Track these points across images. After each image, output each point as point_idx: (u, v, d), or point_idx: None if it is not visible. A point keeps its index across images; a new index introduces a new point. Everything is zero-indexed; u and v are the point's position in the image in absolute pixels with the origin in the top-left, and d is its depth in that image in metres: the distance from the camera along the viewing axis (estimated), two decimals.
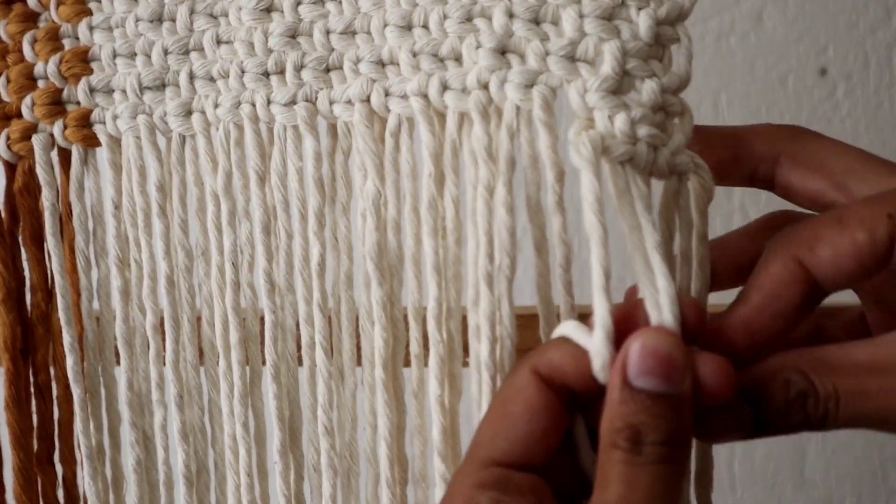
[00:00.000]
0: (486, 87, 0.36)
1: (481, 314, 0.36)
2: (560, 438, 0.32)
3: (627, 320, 0.31)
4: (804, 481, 0.81)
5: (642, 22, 0.35)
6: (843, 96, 0.76)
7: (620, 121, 0.33)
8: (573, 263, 0.35)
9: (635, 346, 0.30)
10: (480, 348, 0.36)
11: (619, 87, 0.34)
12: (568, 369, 0.31)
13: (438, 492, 0.37)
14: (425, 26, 0.38)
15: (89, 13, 0.46)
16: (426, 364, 0.38)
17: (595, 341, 0.31)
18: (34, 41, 0.46)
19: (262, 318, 0.43)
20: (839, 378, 0.31)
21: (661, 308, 0.30)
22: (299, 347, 0.43)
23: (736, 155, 0.39)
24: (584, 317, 0.33)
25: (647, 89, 0.34)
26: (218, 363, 0.44)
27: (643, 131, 0.33)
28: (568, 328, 0.32)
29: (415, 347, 0.39)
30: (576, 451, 0.33)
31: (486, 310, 0.36)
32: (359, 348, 0.42)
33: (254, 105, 0.42)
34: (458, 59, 0.37)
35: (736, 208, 0.79)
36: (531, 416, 0.31)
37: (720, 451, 0.84)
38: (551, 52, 0.35)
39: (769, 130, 0.40)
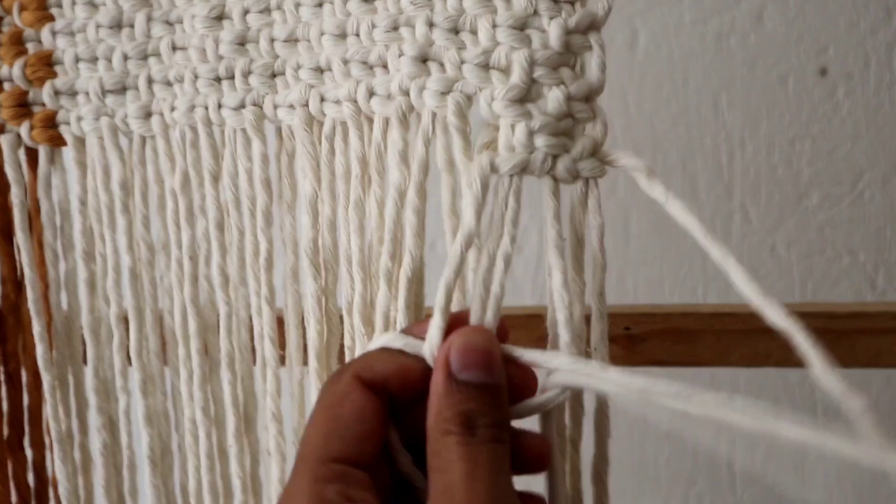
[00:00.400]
0: (407, 93, 0.39)
1: (378, 309, 0.39)
2: (382, 440, 0.35)
3: (458, 324, 0.35)
4: (804, 481, 0.82)
5: (552, 31, 0.37)
6: (843, 96, 0.77)
7: (519, 130, 0.36)
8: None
9: (457, 343, 0.34)
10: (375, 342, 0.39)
11: (527, 95, 0.37)
12: (390, 376, 0.34)
13: None
14: (357, 34, 0.41)
15: (51, 18, 0.49)
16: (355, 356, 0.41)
17: (431, 341, 0.34)
18: None
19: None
20: None
21: (485, 309, 0.34)
22: (252, 338, 0.46)
23: None
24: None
25: (553, 97, 0.36)
26: (178, 352, 0.48)
27: (541, 141, 0.36)
28: (390, 338, 0.35)
29: (347, 340, 0.42)
30: (392, 454, 0.35)
31: (382, 304, 0.39)
32: (304, 340, 0.45)
33: (206, 108, 0.45)
34: (385, 66, 0.40)
35: (736, 208, 0.80)
36: (361, 417, 0.34)
37: (720, 451, 0.85)
38: (467, 60, 0.38)
39: None
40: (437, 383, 0.34)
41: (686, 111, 0.78)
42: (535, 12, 0.37)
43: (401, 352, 0.35)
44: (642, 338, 0.51)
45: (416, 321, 0.38)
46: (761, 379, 0.81)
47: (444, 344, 0.34)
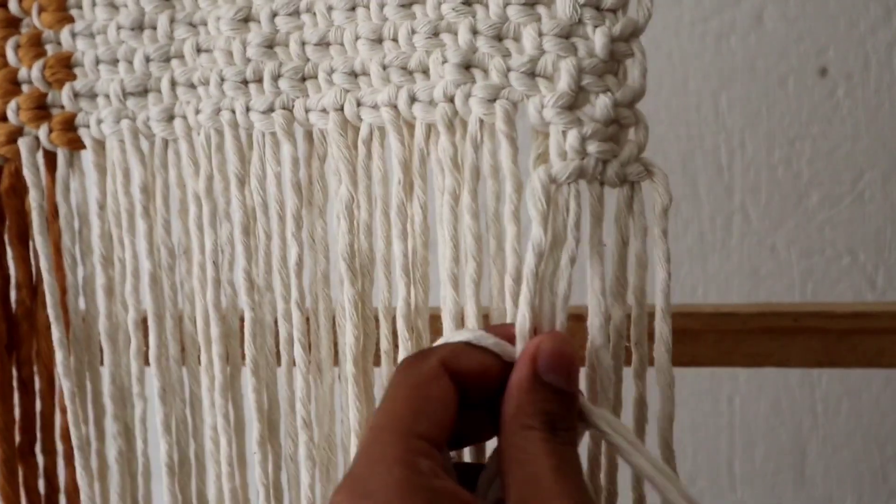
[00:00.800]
0: (451, 100, 0.39)
1: (446, 313, 0.40)
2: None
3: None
4: (804, 481, 0.83)
5: (598, 39, 0.38)
6: (843, 96, 0.78)
7: (572, 137, 0.37)
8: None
9: (546, 346, 0.35)
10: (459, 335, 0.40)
11: (575, 102, 0.38)
12: (473, 372, 0.36)
13: None
14: (395, 40, 0.41)
15: (71, 20, 0.49)
16: (395, 360, 0.42)
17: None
18: (17, 47, 0.49)
19: (242, 316, 0.47)
20: None
21: (555, 313, 0.36)
22: (278, 343, 0.46)
23: None
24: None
25: (601, 104, 0.38)
26: (199, 358, 0.48)
27: (593, 147, 0.37)
28: (479, 336, 0.37)
29: (384, 344, 0.42)
30: None
31: (450, 310, 0.40)
32: (336, 345, 0.45)
33: (233, 112, 0.45)
34: (425, 71, 0.40)
35: (736, 208, 0.81)
36: (446, 403, 0.35)
37: (720, 451, 0.87)
38: (513, 68, 0.39)
39: None
40: (521, 378, 0.35)
41: (686, 111, 0.79)
42: (580, 21, 0.38)
43: (485, 350, 0.36)
44: None
45: (493, 325, 0.39)
46: (761, 379, 0.82)
47: (531, 343, 0.36)
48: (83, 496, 0.50)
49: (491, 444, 0.39)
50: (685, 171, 0.80)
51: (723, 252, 0.81)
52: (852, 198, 0.79)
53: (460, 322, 0.40)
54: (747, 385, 0.82)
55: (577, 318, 0.40)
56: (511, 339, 0.37)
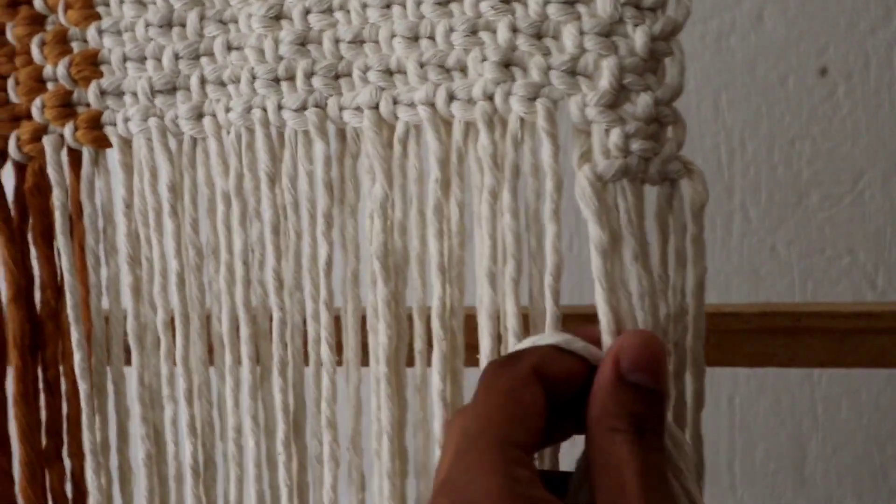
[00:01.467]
0: (491, 98, 0.39)
1: (483, 312, 0.40)
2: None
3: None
4: (804, 481, 0.83)
5: (638, 38, 0.38)
6: (843, 96, 0.78)
7: (615, 135, 0.37)
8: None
9: (628, 344, 0.35)
10: (482, 345, 0.40)
11: (616, 100, 0.38)
12: (562, 377, 0.35)
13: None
14: (431, 38, 0.41)
15: (98, 17, 0.48)
16: (429, 361, 0.42)
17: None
18: (42, 44, 0.49)
19: (272, 315, 0.46)
20: None
21: (634, 311, 0.36)
22: (305, 343, 0.45)
23: None
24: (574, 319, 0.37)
25: (643, 102, 0.38)
26: (225, 359, 0.47)
27: (636, 145, 0.37)
28: (567, 340, 0.36)
29: (418, 344, 0.42)
30: None
31: (488, 308, 0.40)
32: (364, 345, 0.45)
33: (265, 110, 0.45)
34: (463, 70, 0.40)
35: (736, 208, 0.81)
36: (540, 410, 0.34)
37: (720, 451, 0.87)
38: (553, 66, 0.39)
39: None
40: (605, 379, 0.34)
41: (686, 111, 0.78)
42: (620, 20, 0.38)
43: (573, 355, 0.36)
44: None
45: (579, 328, 0.38)
46: (761, 379, 0.82)
47: (614, 343, 0.35)
48: (93, 500, 0.50)
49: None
50: None
51: (723, 252, 0.81)
52: (852, 198, 0.80)
53: (497, 321, 0.40)
54: (747, 385, 0.82)
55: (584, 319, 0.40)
56: (596, 341, 0.36)
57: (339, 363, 0.45)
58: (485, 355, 0.40)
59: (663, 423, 0.35)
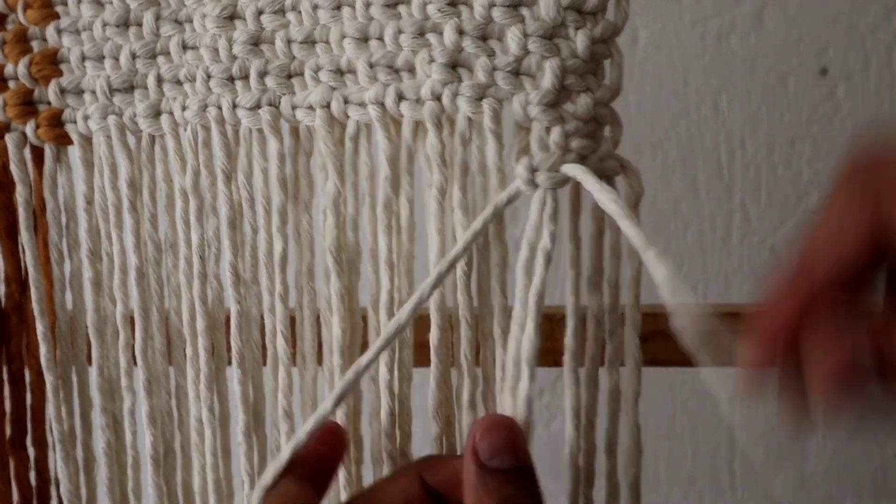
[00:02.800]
0: (438, 98, 0.40)
1: (433, 306, 0.41)
2: None
3: None
4: (804, 481, 0.84)
5: (580, 41, 0.39)
6: (843, 96, 0.79)
7: (555, 133, 0.38)
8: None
9: (480, 431, 0.36)
10: (432, 337, 0.41)
11: (558, 100, 0.39)
12: (448, 480, 0.38)
13: (388, 470, 0.42)
14: (380, 39, 0.42)
15: (56, 17, 0.49)
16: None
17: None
18: (3, 43, 0.49)
19: (228, 309, 0.47)
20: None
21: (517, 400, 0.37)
22: (263, 336, 0.47)
23: None
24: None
25: (582, 103, 0.39)
26: (185, 351, 0.48)
27: (575, 143, 0.38)
28: None
29: (372, 336, 0.43)
30: None
31: (437, 302, 0.41)
32: (320, 338, 0.46)
33: (220, 108, 0.45)
34: (411, 70, 0.41)
35: (736, 208, 0.82)
36: None
37: (720, 451, 0.87)
38: (498, 67, 0.40)
39: None
40: (469, 472, 0.35)
41: (686, 111, 0.79)
42: (563, 23, 0.39)
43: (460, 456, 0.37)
44: (643, 338, 0.53)
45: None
46: None
47: (469, 436, 0.36)
48: (63, 489, 0.51)
49: None
50: (685, 171, 0.81)
51: (723, 252, 0.82)
52: None
53: (447, 316, 0.42)
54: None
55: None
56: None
57: (295, 356, 0.46)
58: (434, 349, 0.41)
59: (537, 492, 0.35)
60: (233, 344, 0.46)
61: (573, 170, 0.38)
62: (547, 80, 0.39)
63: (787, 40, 0.79)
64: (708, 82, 0.80)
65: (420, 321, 0.42)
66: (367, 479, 0.45)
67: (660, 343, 0.53)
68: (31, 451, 0.52)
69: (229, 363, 0.48)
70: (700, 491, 0.84)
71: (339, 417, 0.44)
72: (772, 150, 0.80)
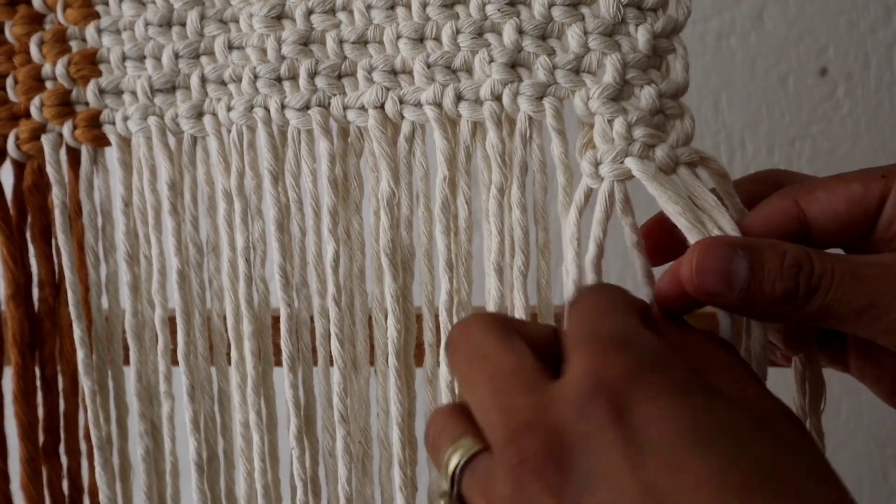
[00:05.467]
0: (499, 98, 0.42)
1: (492, 304, 0.42)
2: None
3: None
4: None
5: (640, 36, 0.41)
6: (843, 96, 0.81)
7: (618, 124, 0.40)
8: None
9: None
10: None
11: (620, 94, 0.41)
12: None
13: None
14: (437, 39, 0.43)
15: (97, 16, 0.50)
16: (439, 354, 0.44)
17: None
18: (41, 43, 0.50)
19: (273, 312, 0.49)
20: (837, 262, 0.36)
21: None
22: (313, 339, 0.48)
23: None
24: None
25: (646, 95, 0.41)
26: (228, 355, 0.50)
27: (639, 132, 0.40)
28: None
29: (428, 337, 0.45)
30: None
31: (496, 300, 0.42)
32: (371, 340, 0.47)
33: (267, 109, 0.47)
34: (469, 70, 0.43)
35: None
36: None
37: None
38: (558, 66, 0.41)
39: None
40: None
41: None
42: (623, 20, 0.41)
43: None
44: None
45: None
46: None
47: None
48: (102, 496, 0.52)
49: None
50: None
51: None
52: None
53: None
54: None
55: None
56: None
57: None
58: None
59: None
60: (283, 347, 0.47)
61: (633, 163, 0.39)
62: (608, 74, 0.41)
63: (787, 40, 0.81)
64: (708, 82, 0.82)
65: None
66: (423, 483, 0.46)
67: None
68: (63, 460, 0.53)
69: (276, 366, 0.49)
70: None
71: (395, 418, 0.45)
72: (772, 150, 0.82)
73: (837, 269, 0.35)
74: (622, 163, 0.40)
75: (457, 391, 0.44)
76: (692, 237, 0.38)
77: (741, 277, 0.35)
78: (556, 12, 0.41)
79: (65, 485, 0.54)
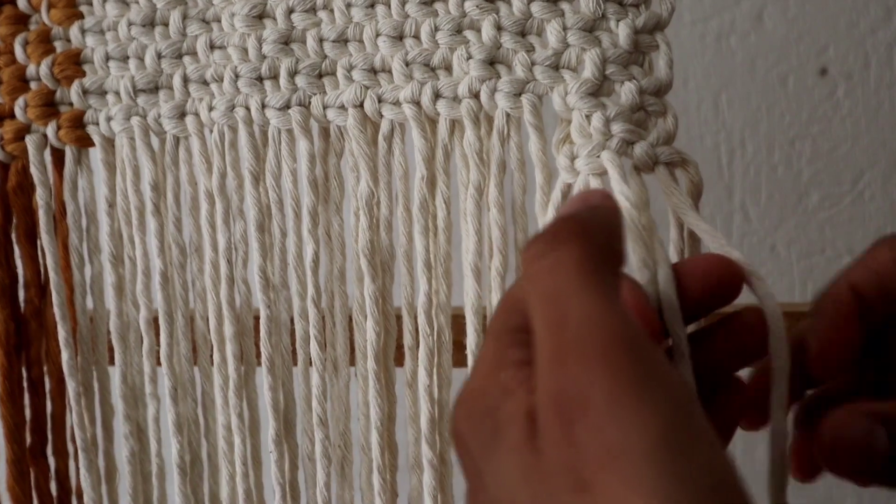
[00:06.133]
0: (476, 95, 0.42)
1: (469, 307, 0.42)
2: None
3: None
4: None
5: (621, 32, 0.41)
6: (843, 96, 0.81)
7: (596, 119, 0.40)
8: None
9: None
10: (469, 340, 0.42)
11: (599, 90, 0.40)
12: None
13: (427, 477, 0.43)
14: (416, 37, 0.43)
15: (81, 16, 0.50)
16: (417, 356, 0.44)
17: None
18: (26, 43, 0.51)
19: (255, 314, 0.49)
20: None
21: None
22: (293, 341, 0.48)
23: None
24: None
25: (626, 91, 0.40)
26: (211, 356, 0.50)
27: (617, 127, 0.39)
28: None
29: (408, 339, 0.45)
30: None
31: (474, 302, 0.42)
32: (351, 342, 0.47)
33: (248, 109, 0.47)
34: (448, 68, 0.43)
35: (736, 208, 0.83)
36: None
37: None
38: (537, 62, 0.41)
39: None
40: None
41: (686, 111, 0.81)
42: (603, 15, 0.40)
43: None
44: None
45: None
46: None
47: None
48: (87, 498, 0.52)
49: None
50: None
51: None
52: (852, 197, 0.82)
53: (483, 316, 0.43)
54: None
55: None
56: None
57: (325, 361, 0.47)
58: (471, 351, 0.43)
59: None
60: (262, 349, 0.47)
61: (606, 157, 0.39)
62: (587, 69, 0.40)
63: (787, 40, 0.81)
64: (708, 82, 0.81)
65: (455, 322, 0.44)
66: (403, 487, 0.46)
67: None
68: (51, 461, 0.53)
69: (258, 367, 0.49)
70: None
71: (374, 421, 0.45)
72: (772, 150, 0.82)
73: None
74: (598, 157, 0.39)
75: (435, 396, 0.43)
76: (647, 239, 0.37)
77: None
78: (536, 8, 0.41)
79: (53, 486, 0.54)
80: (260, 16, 0.47)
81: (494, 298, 0.42)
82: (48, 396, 0.53)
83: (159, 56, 0.48)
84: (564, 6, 0.41)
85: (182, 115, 0.48)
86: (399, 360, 0.46)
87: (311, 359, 0.47)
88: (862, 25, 0.80)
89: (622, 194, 0.37)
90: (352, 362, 0.47)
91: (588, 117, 0.40)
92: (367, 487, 0.47)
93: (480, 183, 0.42)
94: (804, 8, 0.80)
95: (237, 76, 0.47)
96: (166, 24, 0.48)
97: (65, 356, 0.51)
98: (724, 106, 0.82)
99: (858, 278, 0.36)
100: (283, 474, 0.48)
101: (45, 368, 0.53)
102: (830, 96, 0.81)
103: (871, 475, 0.34)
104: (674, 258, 0.41)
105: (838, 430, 0.34)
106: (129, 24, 0.49)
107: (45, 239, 0.51)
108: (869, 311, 0.36)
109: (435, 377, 0.43)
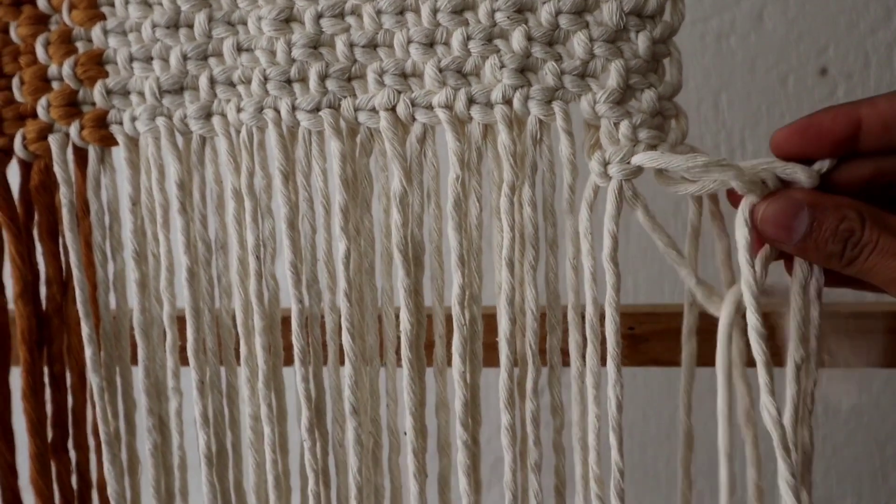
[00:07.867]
0: (509, 102, 0.47)
1: (502, 297, 0.47)
2: None
3: None
4: None
5: (641, 42, 0.47)
6: (843, 96, 0.85)
7: (624, 126, 0.46)
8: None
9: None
10: (500, 327, 0.48)
11: (623, 97, 0.47)
12: None
13: (461, 456, 0.49)
14: (447, 44, 0.48)
15: (103, 17, 0.54)
16: (449, 346, 0.49)
17: None
18: (47, 44, 0.55)
19: (283, 308, 0.53)
20: (885, 236, 0.43)
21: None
22: (322, 334, 0.52)
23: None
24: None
25: (647, 98, 0.47)
26: (236, 350, 0.54)
27: (643, 134, 0.46)
28: None
29: (439, 329, 0.50)
30: None
31: (507, 293, 0.47)
32: (381, 334, 0.52)
33: (277, 110, 0.51)
34: (478, 74, 0.48)
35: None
36: None
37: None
38: (566, 71, 0.47)
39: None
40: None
41: (686, 111, 0.86)
42: (625, 27, 0.46)
43: None
44: (645, 338, 0.59)
45: None
46: None
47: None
48: (111, 490, 0.56)
49: None
50: None
51: None
52: None
53: (516, 306, 0.48)
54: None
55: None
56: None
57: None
58: (503, 338, 0.48)
59: None
60: (294, 342, 0.52)
61: (643, 157, 0.45)
62: (613, 79, 0.47)
63: (787, 40, 0.85)
64: (708, 82, 0.86)
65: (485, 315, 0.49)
66: (432, 470, 0.51)
67: (661, 343, 0.59)
68: (72, 455, 0.58)
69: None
70: (700, 491, 0.90)
71: (408, 407, 0.50)
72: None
73: (881, 243, 0.43)
74: (629, 162, 0.45)
75: (468, 381, 0.49)
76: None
77: (801, 231, 0.44)
78: (563, 20, 0.47)
79: (74, 479, 0.58)
80: (287, 20, 0.51)
81: (528, 291, 0.47)
82: (69, 392, 0.57)
83: (185, 57, 0.53)
84: (589, 18, 0.47)
85: (209, 115, 0.53)
86: (428, 350, 0.51)
87: (342, 350, 0.51)
88: (862, 25, 0.85)
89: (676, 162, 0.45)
90: (380, 354, 0.52)
91: (616, 125, 0.47)
92: (396, 471, 0.52)
93: (514, 182, 0.47)
94: (804, 8, 0.85)
95: (266, 78, 0.51)
96: (191, 26, 0.53)
97: (88, 352, 0.55)
98: (724, 106, 0.86)
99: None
100: (317, 461, 0.53)
101: (66, 364, 0.57)
102: (830, 96, 0.86)
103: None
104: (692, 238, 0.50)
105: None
106: (153, 25, 0.53)
107: (67, 236, 0.55)
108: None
109: (468, 363, 0.48)
